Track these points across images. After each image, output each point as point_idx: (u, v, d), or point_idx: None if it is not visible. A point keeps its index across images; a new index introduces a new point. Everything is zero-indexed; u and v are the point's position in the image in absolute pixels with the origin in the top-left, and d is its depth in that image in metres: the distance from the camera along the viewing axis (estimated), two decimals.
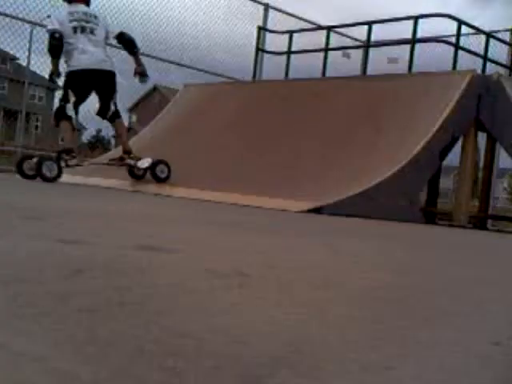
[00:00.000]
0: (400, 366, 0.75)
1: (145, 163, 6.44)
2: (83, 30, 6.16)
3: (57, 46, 6.05)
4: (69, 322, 0.78)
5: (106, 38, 6.33)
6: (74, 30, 6.10)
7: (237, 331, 0.83)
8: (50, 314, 0.81)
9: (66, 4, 6.35)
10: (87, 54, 6.08)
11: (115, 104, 6.34)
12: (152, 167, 6.42)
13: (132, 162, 6.42)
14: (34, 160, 5.97)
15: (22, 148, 9.97)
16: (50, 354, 0.64)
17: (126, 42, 6.42)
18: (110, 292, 1.00)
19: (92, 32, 6.18)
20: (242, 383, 0.63)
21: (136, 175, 6.58)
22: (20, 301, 0.87)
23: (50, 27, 6.17)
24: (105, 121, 6.48)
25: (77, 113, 6.23)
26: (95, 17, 6.31)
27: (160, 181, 6.43)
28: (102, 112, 6.32)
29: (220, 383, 0.62)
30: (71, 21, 6.12)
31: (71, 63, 6.09)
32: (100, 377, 0.59)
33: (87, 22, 6.20)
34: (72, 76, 6.11)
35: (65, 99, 6.07)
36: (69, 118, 6.06)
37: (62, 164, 5.99)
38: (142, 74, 6.44)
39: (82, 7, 6.28)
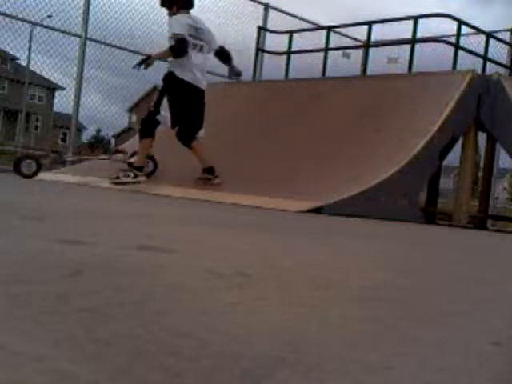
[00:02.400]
0: (400, 365, 0.75)
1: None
2: (196, 47, 6.11)
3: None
4: (69, 322, 0.78)
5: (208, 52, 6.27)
6: (193, 47, 6.05)
7: (237, 331, 0.83)
8: (49, 314, 0.81)
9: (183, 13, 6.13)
10: (199, 76, 6.12)
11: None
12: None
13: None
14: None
15: (21, 148, 9.98)
16: (49, 354, 0.64)
17: (225, 57, 6.48)
18: (109, 292, 1.00)
19: (202, 51, 6.17)
20: (241, 383, 0.62)
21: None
22: (20, 301, 0.87)
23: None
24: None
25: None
26: (203, 32, 6.19)
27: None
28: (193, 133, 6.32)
29: (220, 383, 0.62)
30: (191, 37, 6.04)
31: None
32: (100, 377, 0.59)
33: (199, 39, 6.14)
34: (195, 93, 6.11)
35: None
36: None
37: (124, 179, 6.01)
38: (239, 73, 6.65)
39: (198, 22, 6.19)
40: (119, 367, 0.62)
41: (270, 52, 10.36)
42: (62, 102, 10.47)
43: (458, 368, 0.78)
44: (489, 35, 8.22)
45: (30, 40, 10.26)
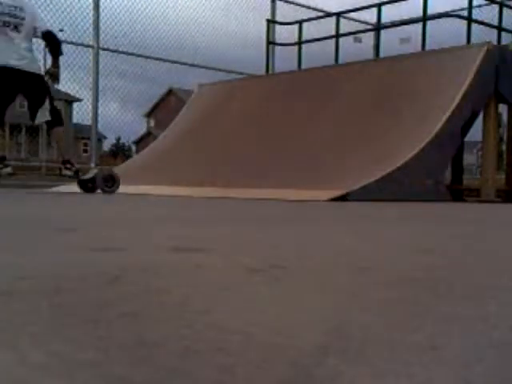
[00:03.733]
0: (445, 344, 0.75)
1: (87, 175, 6.28)
2: (9, 25, 5.64)
3: None
4: (115, 328, 0.79)
5: (34, 34, 5.85)
6: (3, 24, 5.62)
7: (280, 323, 0.84)
8: (95, 321, 0.82)
9: None
10: (7, 52, 5.60)
11: (53, 109, 5.96)
12: (94, 179, 6.19)
13: (70, 172, 6.19)
14: None
15: (46, 162, 10.14)
16: (101, 359, 0.65)
17: (52, 42, 5.94)
18: (151, 295, 1.02)
19: (16, 28, 5.67)
20: (291, 374, 0.63)
21: (85, 187, 6.31)
22: (65, 310, 0.89)
23: None
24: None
25: (3, 115, 5.86)
26: (22, 9, 5.72)
27: (105, 192, 6.16)
28: (31, 117, 5.94)
29: (270, 375, 0.63)
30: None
31: None
32: (154, 378, 0.60)
33: (14, 16, 5.66)
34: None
35: None
36: None
37: None
38: (55, 76, 5.93)
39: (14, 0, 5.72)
40: (171, 367, 0.63)
41: (280, 44, 10.33)
42: (81, 114, 10.61)
43: (507, 342, 0.77)
44: (502, 4, 8.08)
45: (45, 55, 10.40)
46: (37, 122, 5.98)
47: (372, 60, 8.62)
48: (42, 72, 5.95)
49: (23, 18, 5.69)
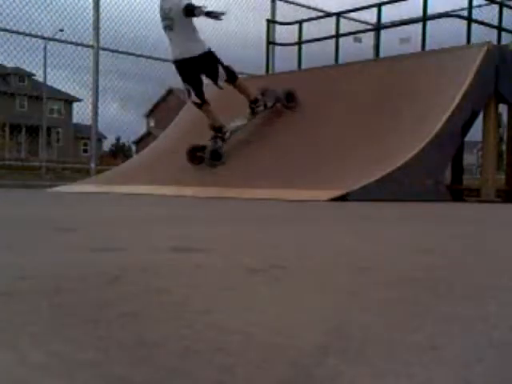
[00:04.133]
0: (445, 344, 0.75)
1: (270, 101, 7.35)
2: (167, 28, 6.68)
3: None
4: (115, 327, 0.79)
5: (187, 23, 6.64)
6: (164, 28, 6.73)
7: (280, 323, 0.84)
8: (95, 321, 0.82)
9: None
10: (175, 49, 6.72)
11: (226, 70, 6.89)
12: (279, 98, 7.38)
13: (261, 108, 7.31)
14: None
15: (46, 162, 10.13)
16: (101, 359, 0.65)
17: (188, 11, 6.62)
18: (150, 295, 1.02)
19: (171, 28, 6.65)
20: (291, 374, 0.63)
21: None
22: (65, 310, 0.89)
23: None
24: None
25: (202, 94, 6.84)
26: (171, 9, 6.60)
27: (286, 108, 7.39)
28: (215, 84, 6.93)
29: (270, 375, 0.63)
30: (162, 19, 6.69)
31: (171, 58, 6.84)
32: (154, 377, 0.60)
33: (168, 18, 6.63)
34: (176, 68, 6.80)
35: (187, 90, 6.87)
36: (202, 103, 6.84)
37: (220, 143, 6.83)
38: (215, 14, 6.71)
39: (167, 2, 6.62)
40: (171, 367, 0.63)
41: (280, 44, 10.32)
42: (81, 114, 10.61)
43: (507, 342, 0.77)
44: (502, 4, 8.07)
45: (45, 55, 10.42)
46: (222, 86, 6.93)
47: (372, 60, 8.61)
48: (207, 48, 6.75)
49: (172, 18, 6.60)
